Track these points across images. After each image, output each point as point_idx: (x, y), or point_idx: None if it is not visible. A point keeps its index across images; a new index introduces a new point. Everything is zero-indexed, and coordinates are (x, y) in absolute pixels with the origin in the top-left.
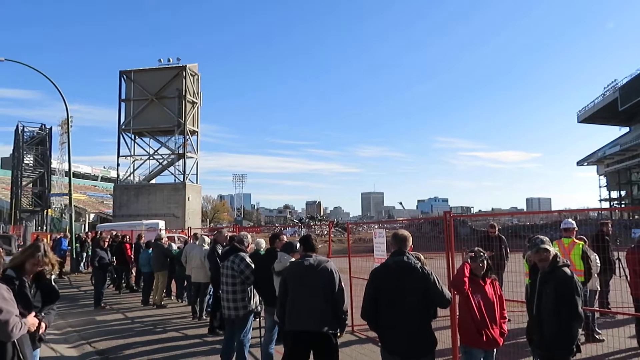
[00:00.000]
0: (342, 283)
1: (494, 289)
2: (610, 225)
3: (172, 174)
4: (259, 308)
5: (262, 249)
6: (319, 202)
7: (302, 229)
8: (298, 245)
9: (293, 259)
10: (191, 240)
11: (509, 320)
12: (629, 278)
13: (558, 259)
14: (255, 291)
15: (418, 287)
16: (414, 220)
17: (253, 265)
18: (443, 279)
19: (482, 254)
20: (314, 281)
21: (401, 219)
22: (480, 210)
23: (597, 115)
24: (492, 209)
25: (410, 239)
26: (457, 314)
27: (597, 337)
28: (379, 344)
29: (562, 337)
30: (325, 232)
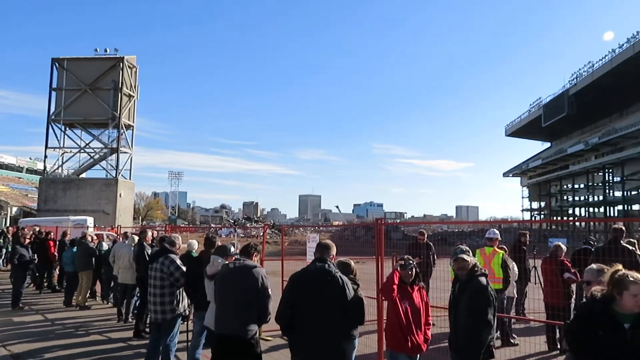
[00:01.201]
0: (270, 289)
1: (420, 295)
2: (527, 236)
3: (104, 168)
4: (187, 311)
5: (194, 251)
6: (257, 203)
7: (237, 229)
8: (233, 248)
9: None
10: (120, 239)
11: (434, 324)
12: (543, 286)
13: (476, 269)
14: (184, 294)
15: (335, 296)
16: (349, 226)
17: (184, 268)
18: (372, 284)
19: (410, 262)
20: (240, 285)
21: (337, 222)
22: (413, 217)
23: (523, 130)
24: (424, 215)
25: (334, 249)
26: (385, 319)
27: (512, 341)
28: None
29: (472, 343)
30: (262, 234)
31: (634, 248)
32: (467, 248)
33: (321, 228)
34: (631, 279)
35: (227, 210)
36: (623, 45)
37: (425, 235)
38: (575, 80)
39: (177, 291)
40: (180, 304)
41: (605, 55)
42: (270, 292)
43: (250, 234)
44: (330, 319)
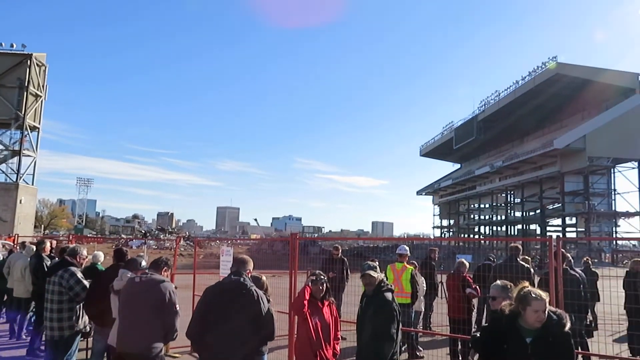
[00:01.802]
0: (177, 305)
1: (330, 310)
2: (437, 252)
3: (4, 172)
4: (88, 328)
5: (99, 263)
6: (172, 214)
7: (149, 241)
8: (144, 262)
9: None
10: (17, 249)
11: (344, 339)
12: (447, 300)
13: (383, 284)
14: (84, 310)
15: (249, 311)
16: (266, 239)
17: (85, 282)
18: (285, 298)
19: (322, 277)
20: (145, 300)
21: (255, 235)
22: (330, 231)
23: (436, 151)
24: (342, 230)
25: (251, 263)
26: (295, 334)
27: (418, 354)
28: None
29: (375, 357)
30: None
31: (528, 265)
32: (376, 264)
33: (238, 241)
34: (533, 295)
35: (139, 221)
36: (525, 77)
37: (340, 250)
38: (483, 107)
39: (77, 306)
40: (80, 320)
41: (510, 86)
42: (177, 308)
43: (163, 245)
44: (243, 334)
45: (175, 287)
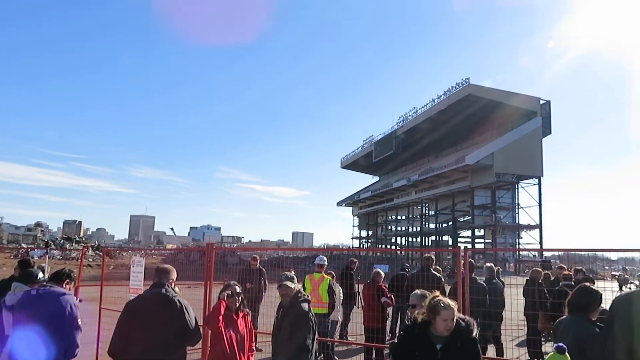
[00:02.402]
0: (79, 320)
1: (245, 322)
2: (356, 263)
3: None
4: None
5: None
6: (80, 222)
7: (53, 250)
8: (41, 274)
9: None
10: None
11: (260, 350)
12: (363, 310)
13: (299, 295)
14: None
15: (173, 322)
16: (182, 250)
17: None
18: (198, 311)
19: (237, 289)
20: (42, 314)
21: (170, 245)
22: (250, 241)
23: (356, 163)
24: (262, 240)
25: (174, 273)
26: (209, 347)
27: None
28: None
29: None
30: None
31: (440, 275)
32: (293, 275)
33: (153, 251)
34: (442, 305)
35: (43, 229)
36: (440, 96)
37: (258, 261)
38: (402, 122)
39: None
40: None
41: (427, 104)
42: (79, 323)
43: (69, 255)
44: (168, 346)
45: (80, 300)
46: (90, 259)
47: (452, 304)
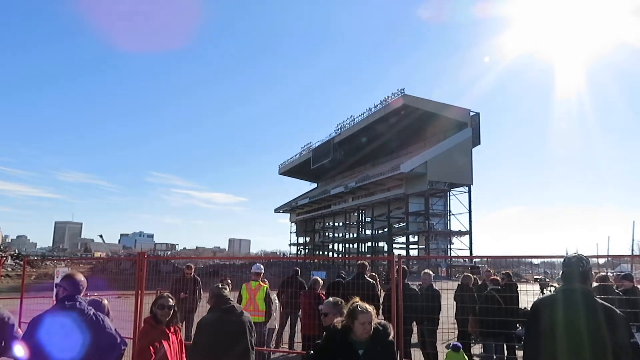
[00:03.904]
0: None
1: (177, 336)
2: (299, 271)
3: None
4: None
5: None
6: None
7: None
8: None
9: None
10: None
11: None
12: (301, 318)
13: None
14: None
15: (89, 337)
16: (111, 259)
17: None
18: (129, 323)
19: (170, 302)
20: None
21: (99, 253)
22: (185, 248)
23: (295, 170)
24: (197, 247)
25: (84, 282)
26: None
27: None
28: None
29: None
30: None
31: (374, 281)
32: (226, 286)
33: (80, 260)
34: (360, 309)
35: None
36: (377, 105)
37: (193, 269)
38: (340, 130)
39: None
40: None
41: (364, 112)
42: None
43: None
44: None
45: None
46: (10, 269)
47: (369, 307)
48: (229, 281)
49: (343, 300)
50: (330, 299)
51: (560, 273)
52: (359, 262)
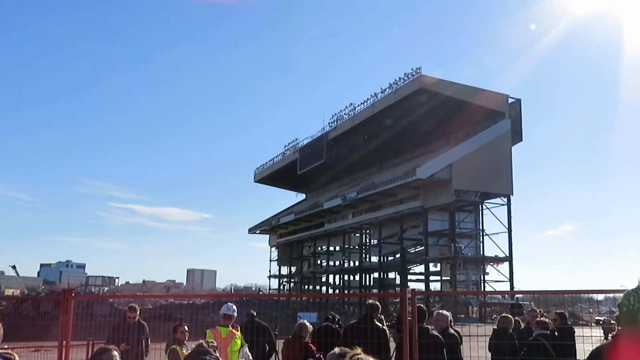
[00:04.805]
0: None
1: None
2: (254, 314)
3: None
4: None
5: None
6: None
7: None
8: None
9: None
10: None
11: None
12: None
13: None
14: None
15: None
16: (27, 298)
17: None
18: None
19: (115, 357)
20: None
21: (11, 290)
22: (128, 282)
23: (275, 176)
24: (144, 281)
25: None
26: None
27: None
28: None
29: None
30: None
31: (384, 326)
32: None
33: None
34: None
35: None
36: (385, 90)
37: (138, 312)
38: (335, 123)
39: None
40: None
41: (368, 99)
42: None
43: None
44: None
45: None
46: None
47: None
48: (187, 328)
49: (350, 351)
50: (336, 349)
51: (618, 312)
52: (369, 301)
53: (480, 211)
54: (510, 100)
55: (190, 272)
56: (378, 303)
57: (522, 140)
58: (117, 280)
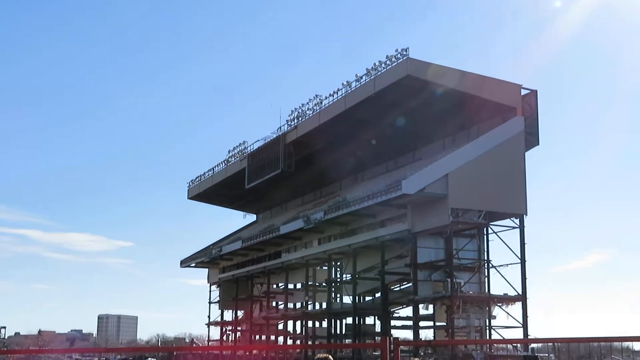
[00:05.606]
0: None
1: None
2: None
3: None
4: None
5: None
6: None
7: None
8: None
9: None
10: None
11: None
12: None
13: None
14: None
15: None
16: None
17: None
18: None
19: None
20: None
21: None
22: (18, 334)
23: (216, 191)
24: (40, 331)
25: None
26: None
27: None
28: None
29: None
30: None
31: None
32: None
33: None
34: None
35: None
36: (362, 77)
37: None
38: (295, 121)
39: None
40: None
41: (339, 89)
42: None
43: None
44: None
45: None
46: None
47: None
48: None
49: None
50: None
51: None
52: (319, 355)
53: (485, 236)
54: (523, 92)
55: (102, 319)
56: (330, 357)
57: (538, 144)
58: (2, 330)
